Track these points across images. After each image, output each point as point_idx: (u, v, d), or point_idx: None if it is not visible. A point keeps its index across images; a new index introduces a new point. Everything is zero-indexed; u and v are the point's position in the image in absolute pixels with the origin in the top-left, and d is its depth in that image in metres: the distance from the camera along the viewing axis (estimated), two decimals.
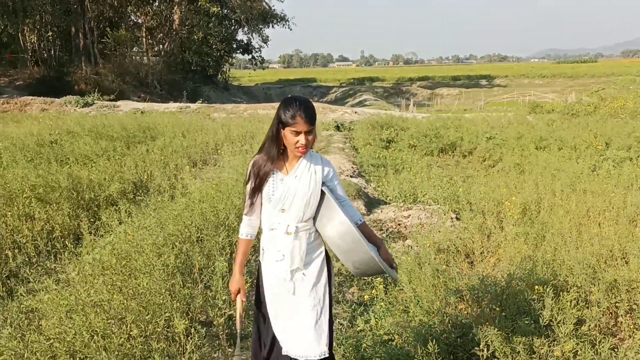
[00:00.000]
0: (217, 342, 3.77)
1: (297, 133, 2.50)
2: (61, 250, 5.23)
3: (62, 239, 5.48)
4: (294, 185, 2.59)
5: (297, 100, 2.53)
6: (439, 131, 12.34)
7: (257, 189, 2.60)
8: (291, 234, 2.60)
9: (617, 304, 3.97)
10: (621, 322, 3.90)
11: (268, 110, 18.27)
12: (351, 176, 8.63)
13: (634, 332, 3.76)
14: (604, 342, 3.31)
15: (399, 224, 6.38)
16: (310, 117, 2.51)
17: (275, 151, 2.58)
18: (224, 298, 3.94)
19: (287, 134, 2.51)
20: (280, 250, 2.61)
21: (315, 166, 2.65)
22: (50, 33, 29.62)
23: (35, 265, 5.07)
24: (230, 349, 3.72)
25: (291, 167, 2.63)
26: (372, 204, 7.22)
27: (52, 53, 30.59)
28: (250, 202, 2.65)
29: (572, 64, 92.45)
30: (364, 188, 7.90)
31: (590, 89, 34.35)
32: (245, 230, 2.74)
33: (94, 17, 30.92)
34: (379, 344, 3.33)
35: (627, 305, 3.94)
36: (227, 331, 3.82)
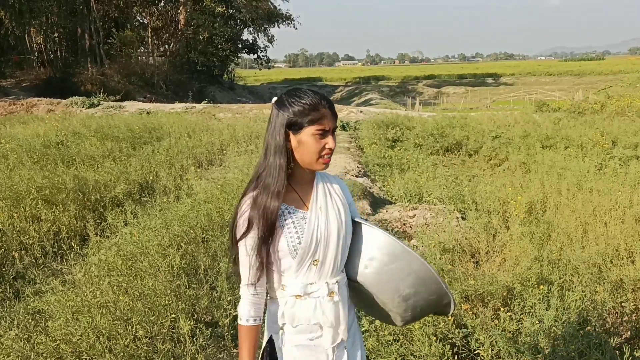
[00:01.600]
0: (222, 342, 3.78)
1: (324, 133, 1.74)
2: (67, 252, 5.26)
3: (69, 240, 5.52)
4: (323, 221, 1.78)
5: (309, 90, 1.79)
6: (445, 130, 12.31)
7: (267, 240, 1.72)
8: (335, 294, 1.80)
9: (622, 304, 3.96)
10: (627, 322, 3.89)
11: None
12: (356, 176, 8.63)
13: (639, 332, 3.75)
14: (609, 342, 3.31)
15: (404, 224, 6.38)
16: (335, 109, 1.80)
17: (285, 174, 1.75)
18: (229, 299, 3.96)
19: (307, 138, 1.72)
20: (319, 322, 1.80)
21: (335, 189, 1.88)
22: (56, 34, 29.73)
23: (42, 267, 5.10)
24: (235, 350, 3.73)
25: (307, 197, 1.82)
26: (377, 203, 7.22)
27: (58, 54, 30.73)
28: (260, 263, 1.74)
29: (579, 62, 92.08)
30: (370, 188, 7.90)
31: (597, 87, 34.26)
32: (249, 313, 1.78)
33: (100, 17, 31.02)
34: (384, 344, 3.33)
35: (633, 305, 3.93)
36: (232, 332, 3.83)
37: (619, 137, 10.44)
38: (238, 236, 1.75)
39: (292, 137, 1.74)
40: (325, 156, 1.76)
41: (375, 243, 1.85)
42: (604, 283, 4.01)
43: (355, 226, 1.89)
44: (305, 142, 1.73)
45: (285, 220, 1.76)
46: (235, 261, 1.82)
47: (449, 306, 1.92)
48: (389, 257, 1.83)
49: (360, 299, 1.95)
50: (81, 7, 29.11)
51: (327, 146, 1.75)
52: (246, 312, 1.78)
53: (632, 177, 7.24)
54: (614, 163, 8.47)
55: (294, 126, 1.73)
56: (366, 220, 1.91)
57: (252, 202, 1.74)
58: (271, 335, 1.84)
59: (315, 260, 1.77)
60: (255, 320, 1.78)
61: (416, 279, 1.82)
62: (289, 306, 1.79)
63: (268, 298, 1.86)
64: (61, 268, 5.10)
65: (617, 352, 3.24)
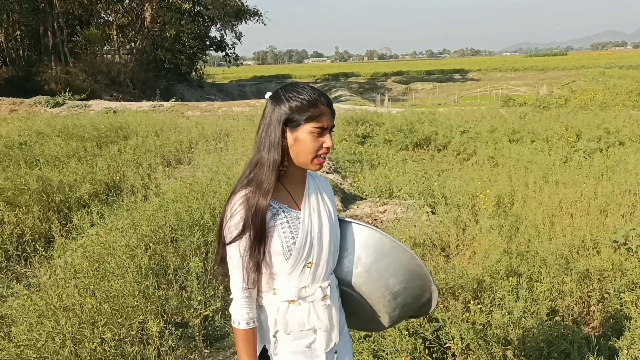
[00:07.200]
0: (193, 343, 3.73)
1: (322, 131, 1.67)
2: (32, 254, 5.12)
3: (33, 243, 5.37)
4: (316, 222, 1.73)
5: (307, 85, 1.72)
6: (414, 126, 12.41)
7: (261, 241, 1.65)
8: (327, 298, 1.75)
9: (589, 294, 4.03)
10: (593, 311, 3.97)
11: (242, 108, 18.16)
12: (327, 172, 8.62)
13: (605, 320, 3.83)
14: (577, 332, 3.37)
15: (375, 219, 6.39)
16: (333, 106, 1.73)
17: (277, 172, 1.68)
18: (199, 299, 3.91)
19: (304, 135, 1.65)
20: (313, 327, 1.74)
21: (325, 190, 1.84)
22: (18, 32, 28.99)
23: (4, 270, 4.96)
24: (206, 350, 3.68)
25: (299, 197, 1.76)
26: (348, 199, 7.23)
27: (21, 53, 29.95)
28: (255, 265, 1.66)
29: (543, 57, 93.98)
30: (340, 184, 7.90)
31: (561, 82, 35.01)
32: (248, 315, 1.69)
33: (63, 15, 30.33)
34: (355, 341, 3.33)
35: (599, 294, 4.01)
36: (203, 332, 3.78)
37: (582, 130, 10.67)
38: (230, 238, 1.66)
39: (289, 134, 1.67)
40: (322, 156, 1.69)
41: (363, 240, 1.80)
42: (571, 274, 4.07)
43: (341, 226, 1.84)
44: (302, 140, 1.66)
45: (279, 219, 1.68)
46: (223, 262, 1.73)
47: (429, 304, 1.89)
48: (379, 253, 1.78)
49: (345, 305, 1.87)
50: (43, 5, 28.40)
51: (324, 145, 1.68)
52: (242, 315, 1.68)
53: (596, 170, 7.40)
54: (579, 156, 8.65)
55: (291, 122, 1.66)
56: (351, 218, 1.86)
57: (244, 201, 1.65)
58: (264, 346, 1.76)
59: (310, 262, 1.70)
60: (254, 322, 1.69)
61: (406, 274, 1.78)
62: (281, 312, 1.71)
63: (256, 305, 1.75)
64: (25, 271, 4.96)
65: (584, 341, 3.29)
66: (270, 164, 1.65)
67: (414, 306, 1.88)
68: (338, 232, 1.81)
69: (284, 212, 1.70)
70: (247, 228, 1.63)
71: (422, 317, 2.01)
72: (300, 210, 1.74)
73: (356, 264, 1.79)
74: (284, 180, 1.73)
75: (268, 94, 1.75)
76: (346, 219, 1.85)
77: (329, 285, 1.76)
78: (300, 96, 1.65)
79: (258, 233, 1.63)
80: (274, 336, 1.73)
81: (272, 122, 1.67)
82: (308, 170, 1.78)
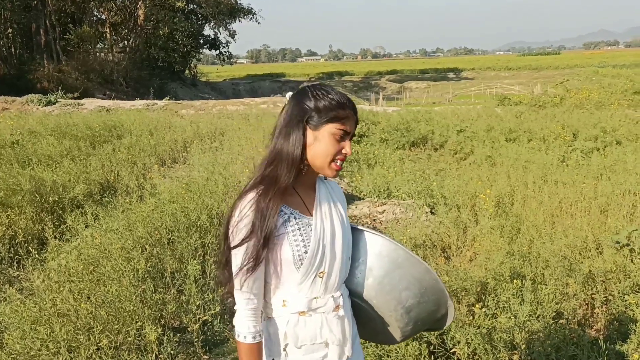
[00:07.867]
0: (192, 349, 3.64)
1: (344, 135, 1.60)
2: (24, 257, 5.02)
3: (26, 245, 5.26)
4: (329, 229, 1.64)
5: (332, 88, 1.65)
6: (410, 125, 12.34)
7: (266, 245, 1.55)
8: (340, 308, 1.66)
9: (593, 296, 3.98)
10: (597, 314, 3.92)
11: (237, 106, 18.04)
12: None
13: (610, 323, 3.78)
14: (583, 336, 3.31)
15: (374, 220, 6.32)
16: (357, 115, 1.66)
17: (294, 172, 1.59)
18: (197, 303, 3.82)
19: (325, 136, 1.57)
20: (325, 340, 1.65)
21: (336, 194, 1.76)
22: (10, 30, 28.71)
23: None
24: (205, 356, 3.60)
25: (310, 202, 1.67)
26: (346, 200, 7.16)
27: (13, 51, 29.64)
28: (260, 270, 1.57)
29: (536, 56, 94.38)
30: (338, 184, 7.82)
31: (555, 81, 35.06)
32: (254, 328, 1.59)
33: (55, 12, 30.08)
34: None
35: (603, 296, 3.95)
36: (202, 337, 3.70)
37: (579, 129, 10.64)
38: (238, 241, 1.55)
39: (310, 133, 1.58)
40: (339, 161, 1.60)
41: (377, 251, 1.70)
42: (574, 276, 4.02)
43: (353, 234, 1.74)
44: (322, 140, 1.57)
45: (290, 226, 1.59)
46: (227, 265, 1.62)
47: (444, 319, 1.82)
48: (392, 264, 1.69)
49: (355, 316, 1.79)
50: (35, 2, 28.14)
51: (343, 150, 1.60)
52: (247, 328, 1.58)
53: (594, 169, 7.36)
54: (576, 155, 8.61)
55: (314, 120, 1.58)
56: (363, 226, 1.77)
57: (254, 203, 1.54)
58: (273, 359, 1.67)
59: (321, 272, 1.60)
60: (260, 335, 1.59)
61: (420, 288, 1.69)
62: (291, 325, 1.61)
63: (263, 317, 1.66)
64: (18, 274, 4.86)
65: (593, 345, 3.23)
66: (290, 160, 1.57)
67: (429, 321, 1.81)
68: (350, 239, 1.72)
69: (295, 218, 1.60)
70: (254, 232, 1.52)
71: (439, 330, 1.90)
72: (311, 216, 1.64)
73: (368, 275, 1.70)
74: (295, 184, 1.63)
75: (289, 94, 1.67)
76: (359, 227, 1.76)
77: (341, 295, 1.67)
78: (329, 96, 1.59)
79: (267, 234, 1.53)
80: (284, 350, 1.63)
81: (294, 117, 1.59)
82: (319, 174, 1.69)
